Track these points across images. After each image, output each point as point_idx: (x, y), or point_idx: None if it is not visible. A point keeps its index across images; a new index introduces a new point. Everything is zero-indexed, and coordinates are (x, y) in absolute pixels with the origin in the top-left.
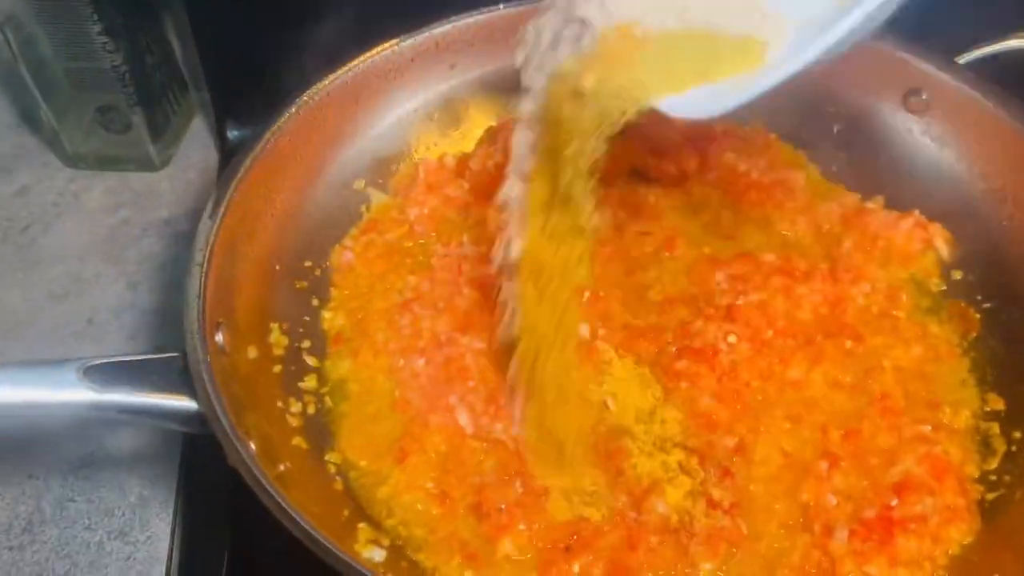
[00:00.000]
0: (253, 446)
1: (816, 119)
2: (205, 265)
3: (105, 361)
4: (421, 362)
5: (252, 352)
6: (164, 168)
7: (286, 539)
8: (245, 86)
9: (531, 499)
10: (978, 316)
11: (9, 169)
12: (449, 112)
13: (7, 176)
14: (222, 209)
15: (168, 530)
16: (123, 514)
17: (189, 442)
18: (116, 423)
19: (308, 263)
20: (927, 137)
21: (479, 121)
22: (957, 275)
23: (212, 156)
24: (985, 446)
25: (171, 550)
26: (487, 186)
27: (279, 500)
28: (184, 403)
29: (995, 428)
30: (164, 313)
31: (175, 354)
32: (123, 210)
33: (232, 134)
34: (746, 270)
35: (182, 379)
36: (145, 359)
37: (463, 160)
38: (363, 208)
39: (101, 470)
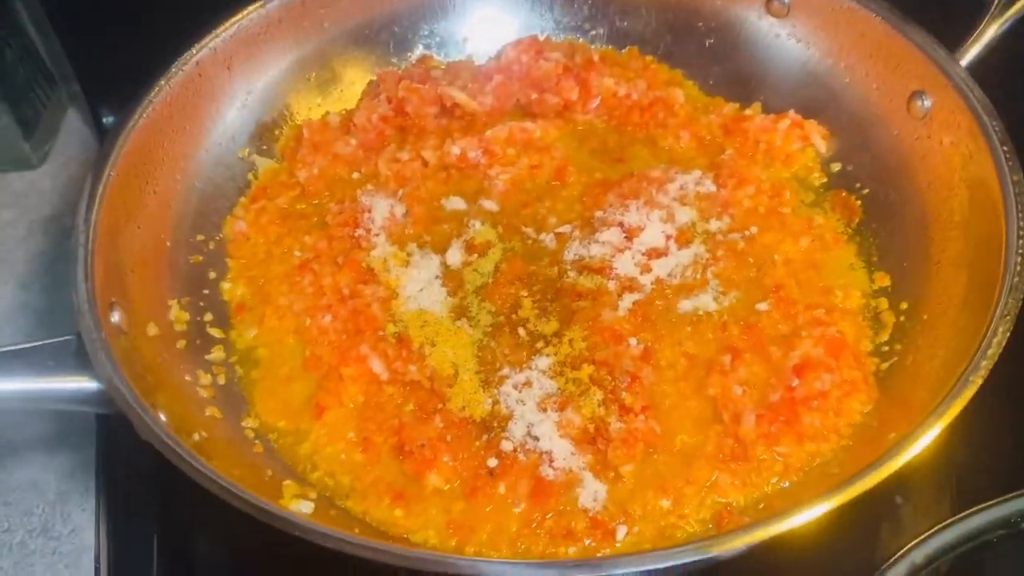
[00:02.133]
0: (164, 417)
1: (688, 36)
2: (89, 247)
3: None
4: (328, 318)
5: (152, 329)
6: (43, 165)
7: (216, 513)
8: (115, 71)
9: (452, 432)
10: (859, 203)
11: None
12: (326, 70)
13: None
14: (99, 192)
15: (92, 520)
16: (43, 511)
17: (103, 429)
18: (19, 412)
19: (200, 237)
20: (793, 39)
21: (358, 76)
22: (836, 167)
23: (92, 147)
24: (876, 321)
25: (97, 538)
26: (375, 140)
27: (195, 464)
28: (84, 383)
29: (884, 304)
30: (59, 309)
31: (68, 337)
32: (5, 211)
33: (109, 120)
34: (636, 187)
35: (79, 360)
36: (38, 344)
37: (347, 117)
38: (251, 176)
39: (14, 471)
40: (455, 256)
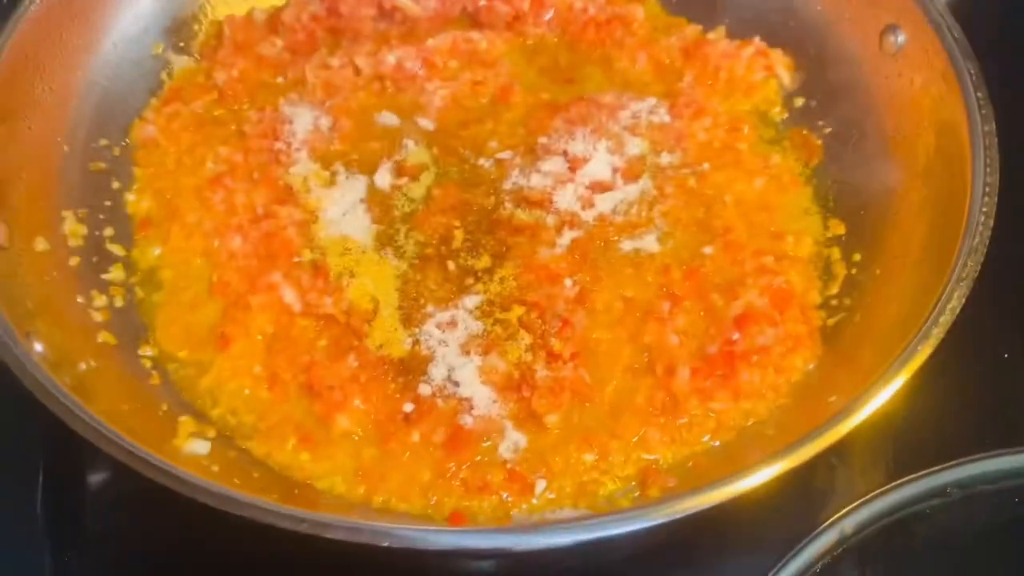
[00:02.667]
0: (40, 347)
1: None
2: None
3: None
4: (238, 240)
5: (41, 244)
6: None
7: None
8: None
9: (367, 372)
10: (820, 143)
11: None
12: None
13: None
14: None
15: None
16: None
17: None
18: None
19: (104, 141)
20: None
21: None
22: (798, 102)
23: None
24: (827, 272)
25: None
26: (304, 43)
27: (64, 402)
28: None
29: (836, 253)
30: None
31: None
32: None
33: None
34: (585, 113)
35: None
36: None
37: (275, 15)
38: (164, 75)
39: None
40: (383, 178)
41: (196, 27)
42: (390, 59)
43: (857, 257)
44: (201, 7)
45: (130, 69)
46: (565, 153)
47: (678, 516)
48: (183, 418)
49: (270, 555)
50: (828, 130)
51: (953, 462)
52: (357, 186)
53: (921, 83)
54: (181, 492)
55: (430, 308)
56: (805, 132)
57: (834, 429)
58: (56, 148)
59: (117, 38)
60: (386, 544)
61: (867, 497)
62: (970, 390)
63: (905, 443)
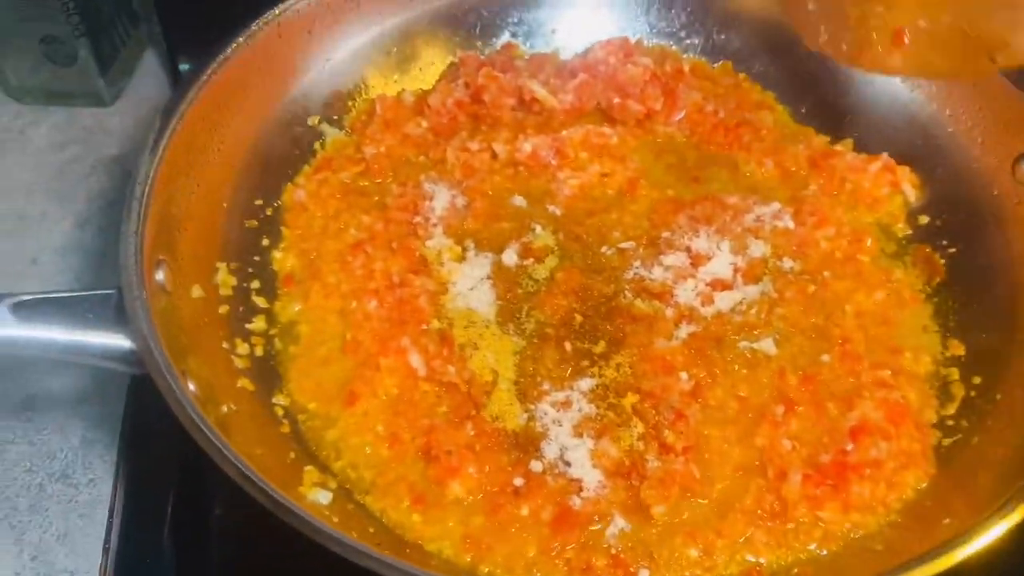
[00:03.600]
0: (192, 386)
1: (786, 59)
2: (144, 199)
3: (37, 297)
4: (373, 304)
5: (196, 291)
6: (114, 104)
7: (232, 482)
8: (198, 18)
9: (482, 442)
10: (943, 261)
11: None
12: (407, 46)
13: None
14: (164, 142)
15: (112, 472)
16: (65, 456)
17: (134, 383)
18: (49, 361)
19: (259, 201)
20: (898, 77)
21: (439, 56)
22: (923, 220)
23: (165, 91)
24: (944, 392)
25: (114, 493)
26: (447, 125)
27: (214, 440)
28: (118, 341)
29: (955, 374)
30: (113, 254)
31: (110, 291)
32: (72, 147)
33: (185, 68)
34: (710, 212)
35: (117, 316)
36: (79, 295)
37: (422, 97)
38: (317, 145)
39: (44, 412)
40: (510, 258)
41: (350, 103)
42: (526, 147)
43: (977, 380)
44: (356, 86)
45: (288, 138)
46: (688, 249)
47: None
48: (308, 467)
49: None
50: (952, 250)
51: None
52: (485, 263)
53: None
54: (316, 539)
55: (546, 386)
56: (928, 250)
57: (948, 554)
58: (218, 204)
59: (280, 109)
60: None
61: None
62: None
63: None
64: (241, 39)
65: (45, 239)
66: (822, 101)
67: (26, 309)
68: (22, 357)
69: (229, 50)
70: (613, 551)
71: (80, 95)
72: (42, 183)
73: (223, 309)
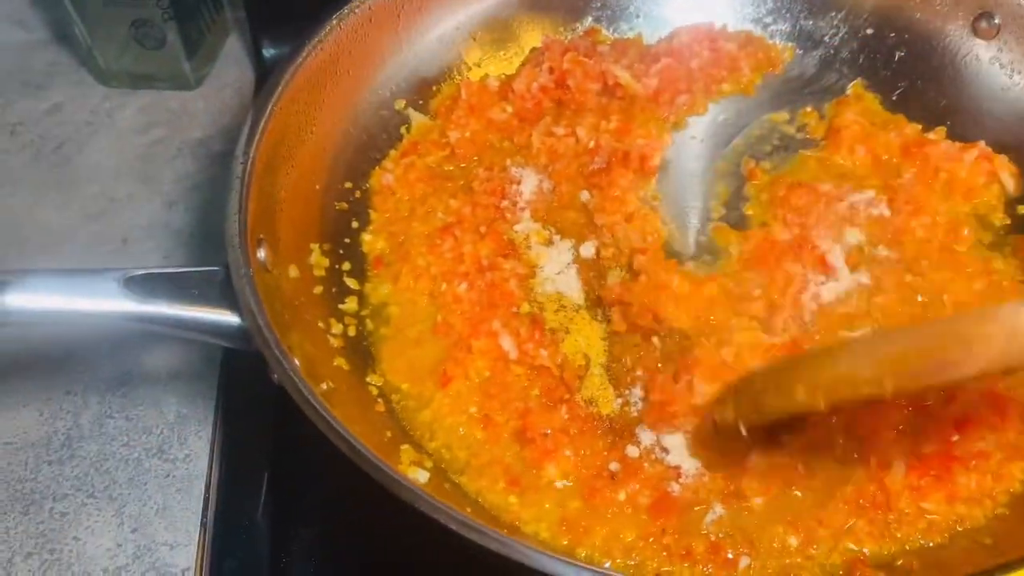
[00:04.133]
0: (297, 363)
1: (877, 45)
2: (246, 179)
3: (146, 272)
4: (463, 287)
5: (293, 271)
6: (199, 87)
7: (326, 459)
8: (281, 4)
9: (576, 426)
10: None
11: (42, 86)
12: (494, 31)
13: (40, 93)
14: (262, 124)
15: (207, 448)
16: (161, 432)
17: (227, 360)
18: (156, 336)
19: (348, 184)
20: (996, 64)
21: (525, 41)
22: (1022, 210)
23: (248, 76)
24: None
25: (210, 467)
26: (531, 110)
27: (325, 415)
28: (226, 317)
29: None
30: (199, 233)
31: (216, 268)
32: (157, 129)
33: (268, 52)
34: (804, 202)
35: (223, 293)
36: (186, 271)
37: (507, 82)
38: (403, 129)
39: (139, 387)
40: (588, 249)
41: (436, 88)
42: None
43: None
44: (442, 71)
45: (376, 122)
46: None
47: None
48: (404, 446)
49: None
50: None
51: None
52: (568, 249)
53: None
54: (424, 511)
55: (639, 372)
56: None
57: None
58: (311, 187)
59: (370, 93)
60: None
61: None
62: None
63: None
64: (334, 22)
65: (134, 219)
66: (914, 88)
67: (136, 284)
68: (131, 330)
69: (323, 34)
70: (712, 537)
71: (166, 78)
72: (129, 164)
73: (317, 289)
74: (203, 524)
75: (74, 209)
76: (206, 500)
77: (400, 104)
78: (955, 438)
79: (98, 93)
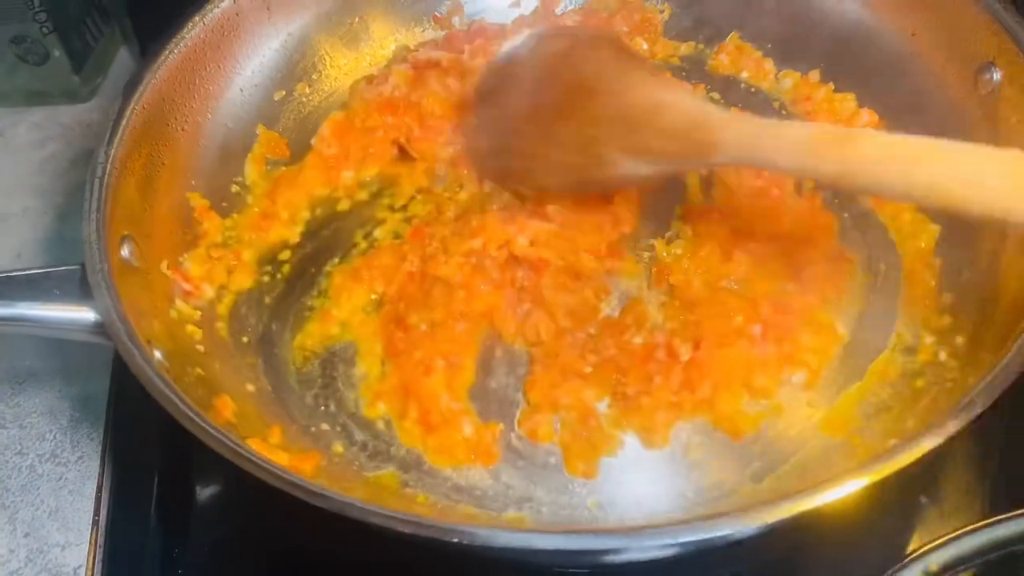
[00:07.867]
0: (159, 354)
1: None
2: (106, 179)
3: (4, 275)
4: None
5: (165, 267)
6: (93, 99)
7: (214, 454)
8: (165, 10)
9: None
10: None
11: None
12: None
13: None
14: (123, 123)
15: (99, 449)
16: (55, 437)
17: (118, 363)
18: (20, 336)
19: (224, 179)
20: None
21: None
22: None
23: None
24: None
25: (102, 468)
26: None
27: (179, 403)
28: (83, 313)
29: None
30: None
31: (75, 267)
32: (51, 144)
33: None
34: None
35: (82, 290)
36: (44, 271)
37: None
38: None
39: (33, 397)
40: None
41: (315, 76)
42: None
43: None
44: (312, 62)
45: (253, 113)
46: None
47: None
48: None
49: (379, 561)
50: None
51: None
52: None
53: None
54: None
55: None
56: None
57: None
58: (186, 183)
59: (243, 85)
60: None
61: (955, 533)
62: None
63: (1004, 484)
64: (196, 17)
65: (28, 233)
66: None
67: None
68: None
69: (184, 31)
70: None
71: (57, 93)
72: (23, 180)
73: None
74: (95, 523)
75: None
76: (98, 499)
77: (280, 95)
78: None
79: None
